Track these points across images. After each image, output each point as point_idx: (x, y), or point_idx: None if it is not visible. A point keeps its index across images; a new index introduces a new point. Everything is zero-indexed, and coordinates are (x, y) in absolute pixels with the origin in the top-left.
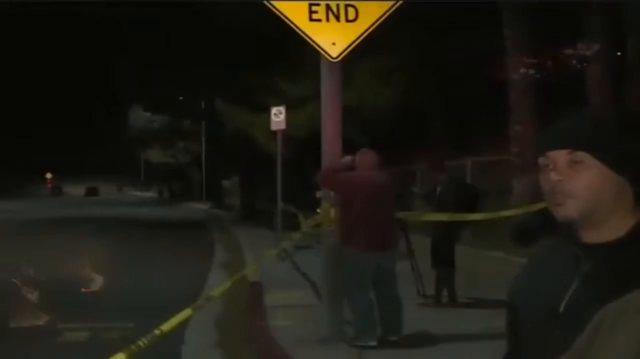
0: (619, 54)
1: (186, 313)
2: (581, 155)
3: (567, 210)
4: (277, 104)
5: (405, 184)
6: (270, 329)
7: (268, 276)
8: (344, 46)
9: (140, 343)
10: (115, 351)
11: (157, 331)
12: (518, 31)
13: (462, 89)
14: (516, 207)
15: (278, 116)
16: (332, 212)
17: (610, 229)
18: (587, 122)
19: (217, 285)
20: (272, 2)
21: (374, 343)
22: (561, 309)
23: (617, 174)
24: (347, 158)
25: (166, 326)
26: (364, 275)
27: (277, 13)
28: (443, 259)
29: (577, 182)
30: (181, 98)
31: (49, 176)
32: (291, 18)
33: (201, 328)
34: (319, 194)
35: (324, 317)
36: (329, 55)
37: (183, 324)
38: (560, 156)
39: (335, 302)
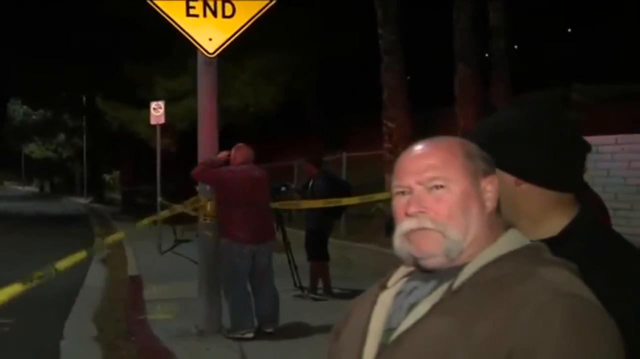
0: (487, 55)
1: (81, 254)
2: None
3: None
4: (158, 98)
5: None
6: (149, 323)
7: (147, 270)
8: (221, 42)
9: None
10: None
11: (52, 270)
12: (390, 30)
13: (340, 85)
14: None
15: (157, 111)
16: (209, 206)
17: (546, 229)
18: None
19: (97, 280)
20: None
21: (250, 335)
22: None
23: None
24: (223, 153)
25: (61, 265)
26: (240, 267)
27: (155, 7)
28: (318, 251)
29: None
30: (64, 93)
31: None
32: (168, 13)
33: (80, 323)
34: (198, 188)
35: (202, 310)
36: (205, 50)
37: (61, 319)
38: None
39: (212, 294)
